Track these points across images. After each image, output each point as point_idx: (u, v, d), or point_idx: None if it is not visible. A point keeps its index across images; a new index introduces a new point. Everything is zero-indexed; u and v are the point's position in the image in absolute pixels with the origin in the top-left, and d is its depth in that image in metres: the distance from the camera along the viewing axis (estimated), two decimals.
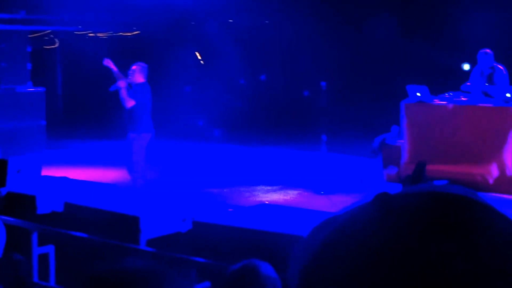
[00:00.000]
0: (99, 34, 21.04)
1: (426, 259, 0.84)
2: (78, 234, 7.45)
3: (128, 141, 11.13)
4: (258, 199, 11.45)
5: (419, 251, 0.84)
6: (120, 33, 20.77)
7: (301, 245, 0.94)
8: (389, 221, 0.88)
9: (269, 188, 12.36)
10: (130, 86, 11.15)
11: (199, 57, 20.26)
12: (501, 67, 11.63)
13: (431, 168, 10.74)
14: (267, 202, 11.07)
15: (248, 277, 3.35)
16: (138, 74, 11.11)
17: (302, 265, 0.91)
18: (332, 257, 0.89)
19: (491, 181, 10.89)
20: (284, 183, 12.66)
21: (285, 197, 11.66)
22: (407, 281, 0.83)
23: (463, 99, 11.57)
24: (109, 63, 11.31)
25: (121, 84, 11.08)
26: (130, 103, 10.99)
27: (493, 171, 10.97)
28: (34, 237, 7.44)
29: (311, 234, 0.94)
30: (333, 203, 11.09)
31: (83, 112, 19.56)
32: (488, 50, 11.70)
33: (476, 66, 11.90)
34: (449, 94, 11.83)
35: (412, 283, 0.83)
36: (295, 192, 12.05)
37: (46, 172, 11.84)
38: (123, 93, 11.05)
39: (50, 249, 7.47)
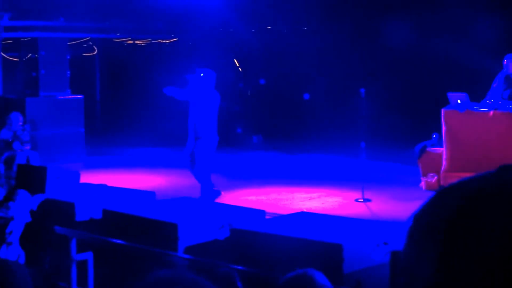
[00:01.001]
0: (137, 41, 21.18)
1: None
2: (116, 241, 7.46)
3: (191, 147, 11.24)
4: (296, 206, 11.39)
5: None
6: (159, 40, 20.87)
7: (435, 205, 1.03)
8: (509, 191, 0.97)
9: (307, 195, 12.30)
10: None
11: (237, 64, 20.27)
12: None
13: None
14: (305, 210, 11.02)
15: (304, 287, 3.26)
16: (207, 80, 11.26)
17: (446, 221, 1.00)
18: (473, 216, 0.98)
19: None
20: (322, 191, 12.59)
21: (323, 205, 11.58)
22: None
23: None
24: (168, 90, 11.45)
25: (168, 92, 11.30)
26: (184, 97, 11.28)
27: None
28: (73, 244, 7.47)
29: (440, 196, 1.04)
30: (372, 211, 11.00)
31: (121, 119, 19.66)
32: None
33: (502, 71, 11.71)
34: (490, 101, 11.66)
35: None
36: (333, 199, 11.97)
37: (85, 179, 11.89)
38: (176, 92, 11.28)
39: (89, 256, 7.49)
